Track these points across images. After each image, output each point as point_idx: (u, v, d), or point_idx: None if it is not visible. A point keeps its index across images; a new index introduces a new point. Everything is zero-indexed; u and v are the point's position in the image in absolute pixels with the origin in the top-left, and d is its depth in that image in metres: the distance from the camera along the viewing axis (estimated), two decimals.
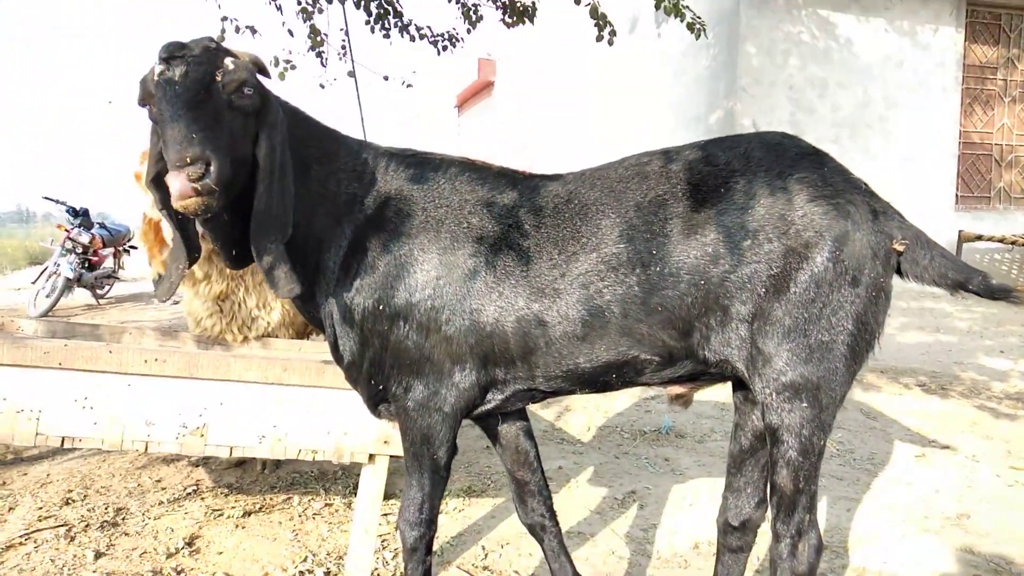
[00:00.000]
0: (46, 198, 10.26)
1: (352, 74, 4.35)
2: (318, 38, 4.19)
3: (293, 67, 4.41)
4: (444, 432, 1.94)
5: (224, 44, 1.78)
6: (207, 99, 1.64)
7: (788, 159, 1.81)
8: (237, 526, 3.03)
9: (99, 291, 10.34)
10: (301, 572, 2.68)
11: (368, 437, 2.31)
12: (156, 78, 1.64)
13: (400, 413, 1.97)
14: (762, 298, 1.73)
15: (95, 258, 10.05)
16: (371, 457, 2.34)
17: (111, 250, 10.63)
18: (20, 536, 2.86)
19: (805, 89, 8.41)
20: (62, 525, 2.97)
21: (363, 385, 1.99)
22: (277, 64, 4.37)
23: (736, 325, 1.77)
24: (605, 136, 11.06)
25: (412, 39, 4.66)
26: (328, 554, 2.84)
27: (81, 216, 9.95)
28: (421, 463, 1.97)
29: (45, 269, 9.44)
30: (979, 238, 8.51)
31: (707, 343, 1.80)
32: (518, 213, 1.91)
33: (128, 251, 10.89)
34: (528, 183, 2.00)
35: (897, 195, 8.93)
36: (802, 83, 8.41)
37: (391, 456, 2.37)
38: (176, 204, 1.60)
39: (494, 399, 1.98)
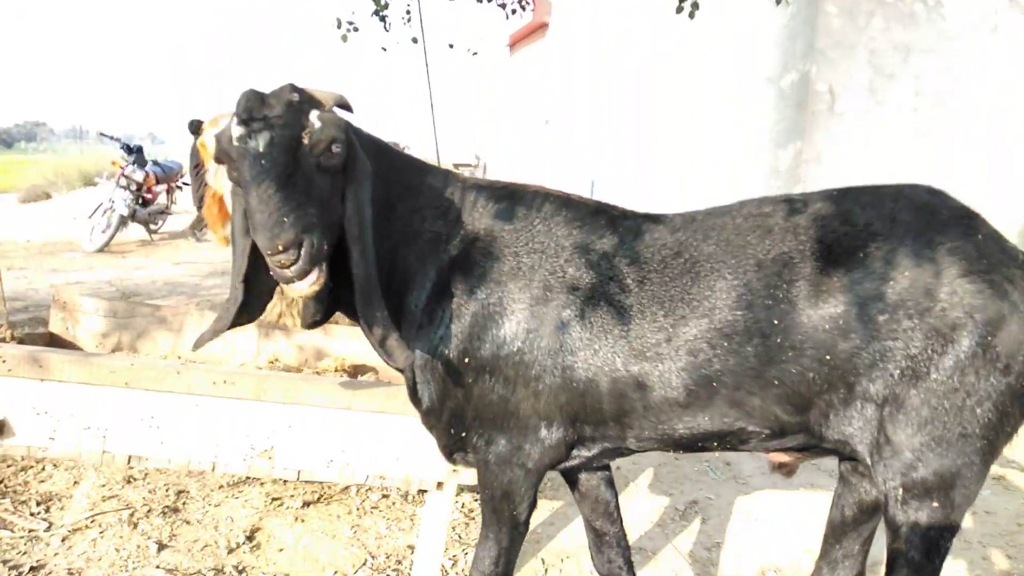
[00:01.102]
0: (101, 135, 10.31)
1: (417, 40, 4.13)
2: (383, 2, 3.96)
3: (356, 29, 4.19)
4: (526, 488, 1.83)
5: (305, 88, 1.61)
6: (295, 169, 1.51)
7: (938, 223, 1.60)
8: (296, 519, 3.01)
9: (152, 226, 10.47)
10: None
11: (438, 465, 2.21)
12: (236, 143, 1.50)
13: (480, 465, 1.86)
14: (896, 380, 1.56)
15: (149, 195, 10.13)
16: (439, 484, 2.25)
17: (164, 186, 10.70)
18: (85, 518, 2.89)
19: (887, 53, 7.84)
20: (125, 508, 2.98)
21: (440, 433, 1.89)
22: (340, 26, 4.16)
23: (861, 405, 1.60)
24: (668, 89, 10.57)
25: (479, 1, 4.39)
26: (387, 556, 2.81)
27: (135, 153, 10.00)
28: (499, 518, 1.87)
29: (100, 205, 9.54)
30: None
31: (826, 420, 1.64)
32: (619, 263, 1.74)
33: (180, 187, 10.94)
34: (629, 225, 1.82)
35: (986, 176, 8.29)
36: (884, 47, 7.83)
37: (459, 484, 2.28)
38: (295, 295, 1.56)
39: (580, 456, 1.86)
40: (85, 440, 2.05)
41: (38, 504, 2.99)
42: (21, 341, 2.88)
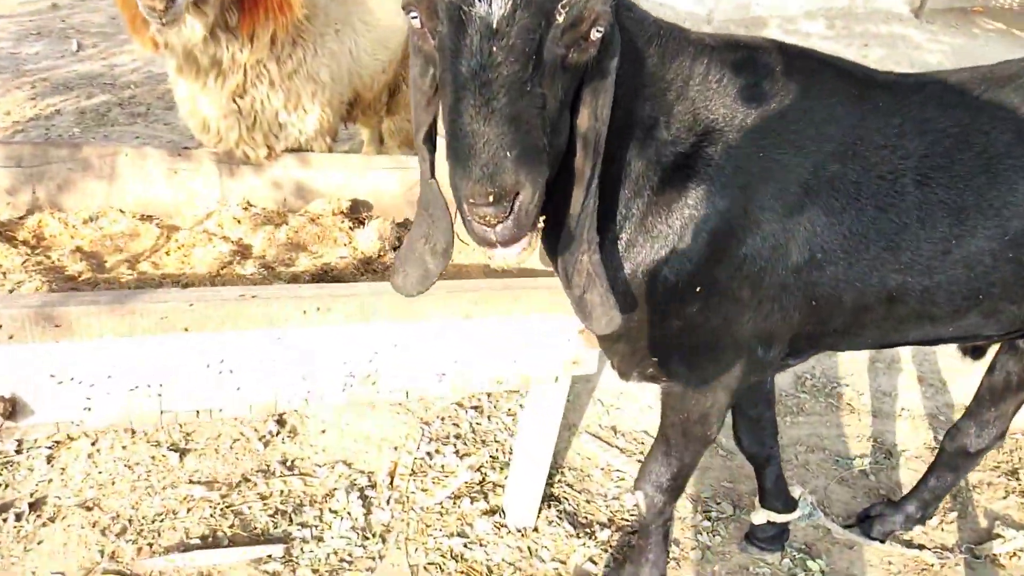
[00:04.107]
0: None
1: None
2: None
3: None
4: (724, 408, 1.61)
5: None
6: (536, 66, 0.96)
7: None
8: None
9: None
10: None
11: (558, 359, 1.92)
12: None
13: (675, 389, 1.59)
14: None
15: None
16: (556, 378, 1.97)
17: None
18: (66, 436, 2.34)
19: None
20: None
21: (624, 359, 1.57)
22: None
23: None
24: None
25: None
26: (442, 420, 2.57)
27: None
28: (689, 438, 1.66)
29: None
30: None
31: None
32: (895, 156, 1.37)
33: None
34: (901, 94, 1.40)
35: None
36: None
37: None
38: (495, 265, 1.06)
39: (783, 366, 1.63)
40: (135, 403, 1.52)
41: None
42: None
